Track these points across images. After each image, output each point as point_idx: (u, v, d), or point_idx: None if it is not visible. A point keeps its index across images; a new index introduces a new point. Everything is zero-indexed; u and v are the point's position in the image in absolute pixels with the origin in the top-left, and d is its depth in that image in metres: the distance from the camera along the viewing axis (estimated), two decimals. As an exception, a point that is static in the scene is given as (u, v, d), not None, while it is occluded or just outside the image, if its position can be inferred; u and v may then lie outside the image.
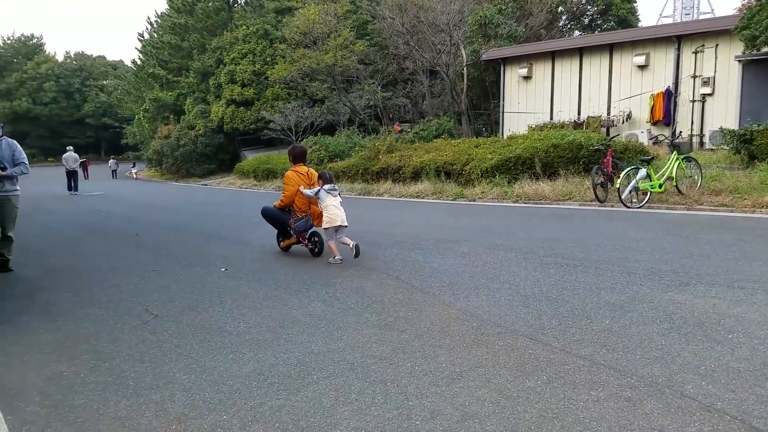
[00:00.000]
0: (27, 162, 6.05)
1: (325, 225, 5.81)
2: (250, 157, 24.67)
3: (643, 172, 8.65)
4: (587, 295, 4.09)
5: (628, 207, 8.70)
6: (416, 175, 13.80)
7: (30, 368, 3.23)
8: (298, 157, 6.42)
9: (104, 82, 61.56)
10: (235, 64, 26.66)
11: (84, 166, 30.57)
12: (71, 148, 22.77)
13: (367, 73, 23.74)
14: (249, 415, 2.54)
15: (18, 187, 5.99)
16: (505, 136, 16.21)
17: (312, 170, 6.40)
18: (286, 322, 3.84)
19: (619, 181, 8.70)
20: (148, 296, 4.75)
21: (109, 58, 69.80)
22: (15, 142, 5.96)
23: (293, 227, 6.16)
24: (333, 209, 5.78)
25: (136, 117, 37.17)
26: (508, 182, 11.42)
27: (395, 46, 22.31)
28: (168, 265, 6.11)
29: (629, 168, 8.80)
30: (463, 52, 19.80)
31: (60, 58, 65.76)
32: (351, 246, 5.62)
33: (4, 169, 5.69)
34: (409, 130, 19.33)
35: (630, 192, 8.71)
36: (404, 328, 3.58)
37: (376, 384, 2.78)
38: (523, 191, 10.71)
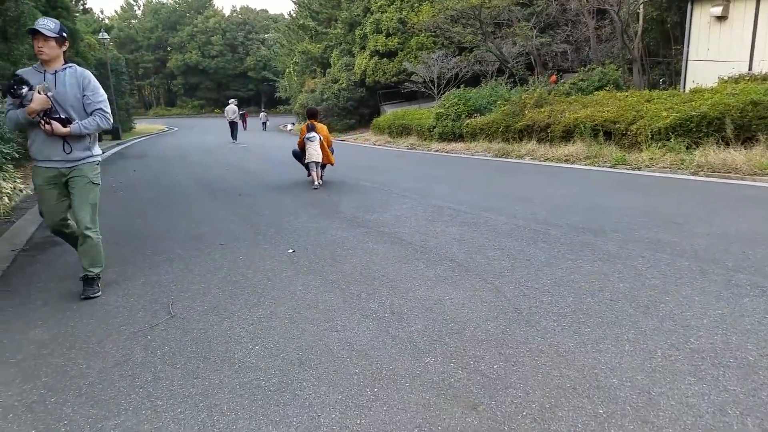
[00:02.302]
0: (107, 107, 3.58)
1: (306, 160, 8.62)
2: (389, 112, 23.74)
3: None
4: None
5: None
6: (568, 135, 11.66)
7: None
8: (311, 116, 9.05)
9: (265, 36, 64.68)
10: (382, 12, 25.52)
11: (243, 117, 32.64)
12: (233, 100, 24.72)
13: (522, 15, 21.06)
14: None
15: (96, 151, 3.68)
16: (686, 90, 13.11)
17: (320, 125, 8.95)
18: (311, 355, 2.64)
19: None
20: (188, 283, 3.87)
21: (271, 11, 73.25)
22: (89, 74, 3.58)
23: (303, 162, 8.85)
24: (310, 150, 8.47)
25: (287, 70, 38.12)
26: (687, 148, 8.93)
27: (559, -19, 19.36)
28: (242, 237, 5.26)
29: None
30: (641, -13, 16.51)
31: (227, 12, 70.44)
32: (318, 182, 8.39)
33: (65, 122, 3.41)
34: (564, 81, 16.77)
35: None
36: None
37: None
38: (707, 160, 8.20)
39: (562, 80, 18.22)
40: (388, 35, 25.19)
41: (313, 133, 8.52)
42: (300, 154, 8.88)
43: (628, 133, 10.21)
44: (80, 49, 25.17)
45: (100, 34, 30.05)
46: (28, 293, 3.80)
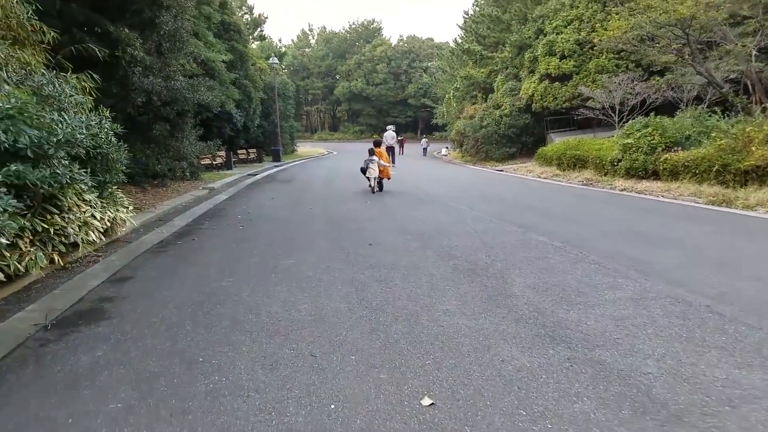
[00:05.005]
0: None
1: (367, 175, 12.41)
2: (557, 141, 20.95)
3: None
4: None
5: None
6: (824, 182, 8.35)
7: None
8: (376, 145, 13.03)
9: (428, 64, 64.76)
10: (557, 34, 22.89)
11: (400, 143, 32.35)
12: (391, 126, 25.45)
13: (734, 34, 17.17)
14: None
15: None
16: None
17: (382, 151, 13.04)
18: None
19: None
20: None
21: (437, 39, 73.07)
22: None
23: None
24: (371, 169, 12.22)
25: (446, 96, 36.87)
26: None
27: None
28: (349, 343, 3.43)
29: None
30: None
31: (394, 41, 72.17)
32: (376, 189, 12.32)
33: None
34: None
35: None
36: None
37: None
38: None
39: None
40: (562, 57, 22.50)
41: (374, 157, 12.18)
42: (364, 171, 12.48)
43: None
44: (250, 72, 26.24)
45: (270, 59, 31.23)
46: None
